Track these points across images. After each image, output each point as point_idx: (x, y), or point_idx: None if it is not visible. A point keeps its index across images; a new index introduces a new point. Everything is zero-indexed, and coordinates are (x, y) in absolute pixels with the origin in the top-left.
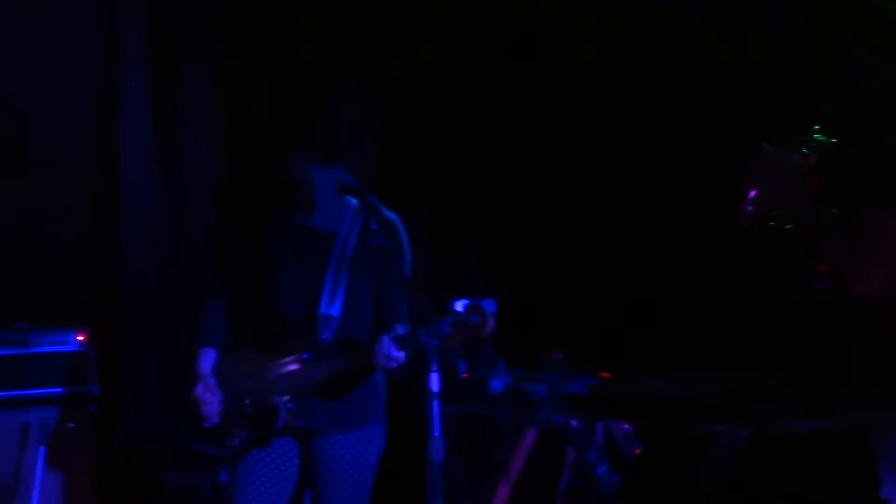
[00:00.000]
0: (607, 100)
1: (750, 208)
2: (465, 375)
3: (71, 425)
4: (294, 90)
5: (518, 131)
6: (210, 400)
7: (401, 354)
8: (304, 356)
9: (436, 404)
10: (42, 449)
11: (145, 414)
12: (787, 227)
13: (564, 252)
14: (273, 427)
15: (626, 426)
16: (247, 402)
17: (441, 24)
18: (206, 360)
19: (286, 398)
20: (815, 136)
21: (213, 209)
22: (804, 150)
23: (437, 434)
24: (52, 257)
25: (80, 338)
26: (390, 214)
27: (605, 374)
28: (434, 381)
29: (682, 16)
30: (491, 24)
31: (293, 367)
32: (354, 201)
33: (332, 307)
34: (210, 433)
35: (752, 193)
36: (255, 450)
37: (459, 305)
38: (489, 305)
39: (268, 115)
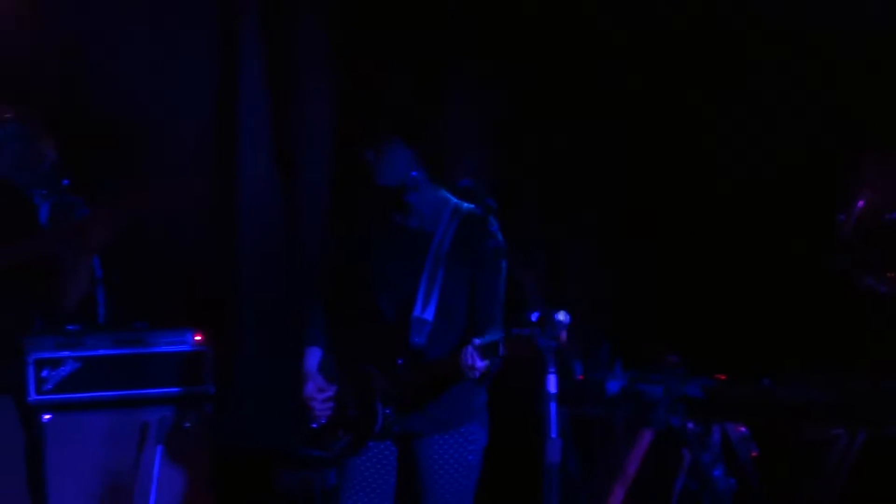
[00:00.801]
0: (723, 103)
1: (860, 207)
2: (581, 377)
3: (188, 424)
4: (410, 89)
5: (635, 129)
6: (317, 400)
7: (483, 364)
8: (399, 361)
9: (553, 406)
10: (160, 448)
11: (259, 414)
12: None
13: (684, 253)
14: (371, 431)
15: (742, 429)
16: (348, 404)
17: (559, 22)
18: (312, 359)
19: (382, 403)
20: None
21: (328, 211)
22: None
23: (553, 436)
24: (171, 259)
25: (198, 338)
26: (488, 218)
27: (722, 377)
28: (552, 383)
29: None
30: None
31: (388, 372)
32: (453, 201)
33: (425, 311)
34: (316, 434)
35: (863, 194)
36: (356, 452)
37: (535, 317)
38: (562, 317)
39: (379, 114)
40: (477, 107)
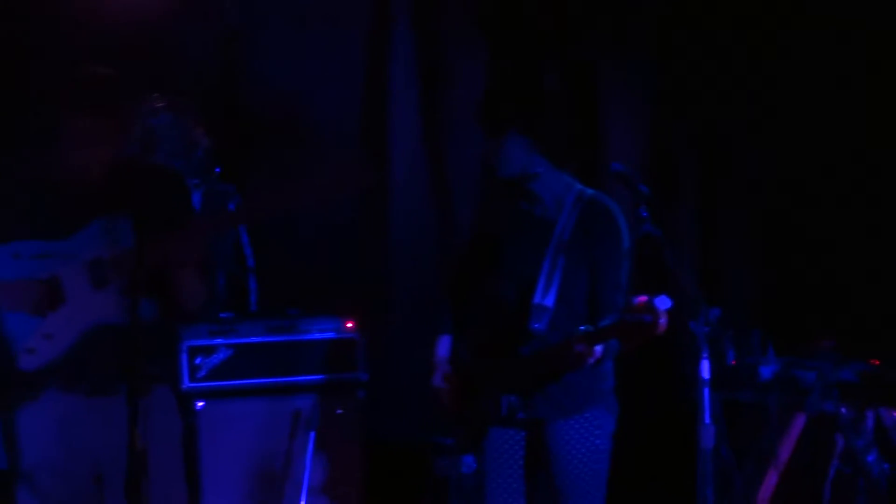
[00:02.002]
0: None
1: None
2: (733, 362)
3: (340, 411)
4: (554, 80)
5: (789, 116)
6: (445, 388)
7: (591, 350)
8: (521, 348)
9: (706, 391)
10: (312, 434)
11: (409, 401)
12: None
13: (837, 237)
14: (496, 418)
15: None
16: (474, 392)
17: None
18: (443, 347)
19: (506, 390)
20: None
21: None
22: None
23: (707, 421)
24: (323, 246)
25: (349, 325)
26: (610, 204)
27: (876, 362)
28: (705, 369)
29: None
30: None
31: (510, 359)
32: (577, 187)
33: (546, 297)
34: (447, 422)
35: None
36: (484, 439)
37: (636, 301)
38: (663, 303)
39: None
40: (631, 90)
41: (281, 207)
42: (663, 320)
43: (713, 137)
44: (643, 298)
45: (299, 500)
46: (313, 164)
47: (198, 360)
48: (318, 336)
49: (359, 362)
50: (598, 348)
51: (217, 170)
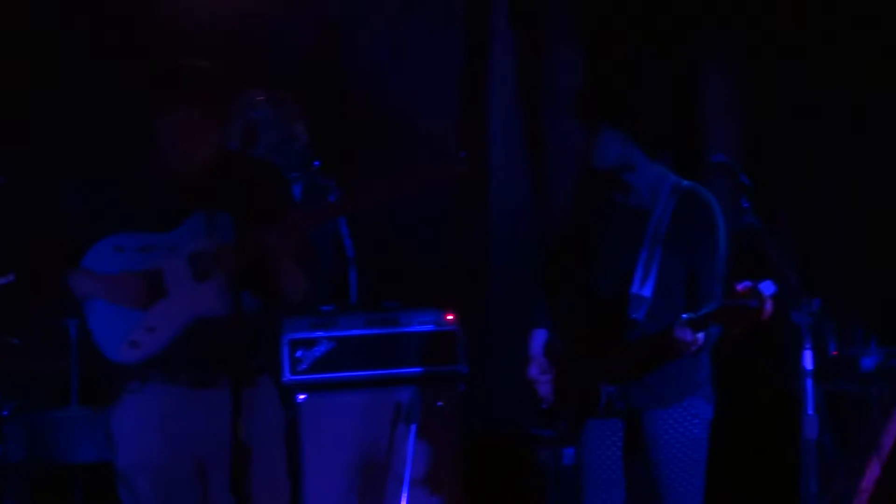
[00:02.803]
0: None
1: None
2: (835, 353)
3: (441, 404)
4: (652, 74)
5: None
6: (543, 381)
7: (694, 338)
8: (619, 339)
9: (809, 382)
10: (413, 427)
11: (510, 394)
12: None
13: None
14: (595, 409)
15: None
16: (572, 384)
17: None
18: (537, 341)
19: (605, 381)
20: None
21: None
22: None
23: (810, 412)
24: (423, 239)
25: (450, 317)
26: (707, 193)
27: None
28: (808, 359)
29: None
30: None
31: (609, 350)
32: (672, 178)
33: (644, 287)
34: (545, 415)
35: None
36: (582, 431)
37: (741, 287)
38: (767, 288)
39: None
40: (733, 80)
41: (380, 200)
42: (769, 305)
43: (813, 132)
44: (747, 284)
45: (401, 493)
46: (412, 157)
47: (299, 353)
48: (418, 329)
49: (459, 355)
50: (701, 336)
51: (317, 163)
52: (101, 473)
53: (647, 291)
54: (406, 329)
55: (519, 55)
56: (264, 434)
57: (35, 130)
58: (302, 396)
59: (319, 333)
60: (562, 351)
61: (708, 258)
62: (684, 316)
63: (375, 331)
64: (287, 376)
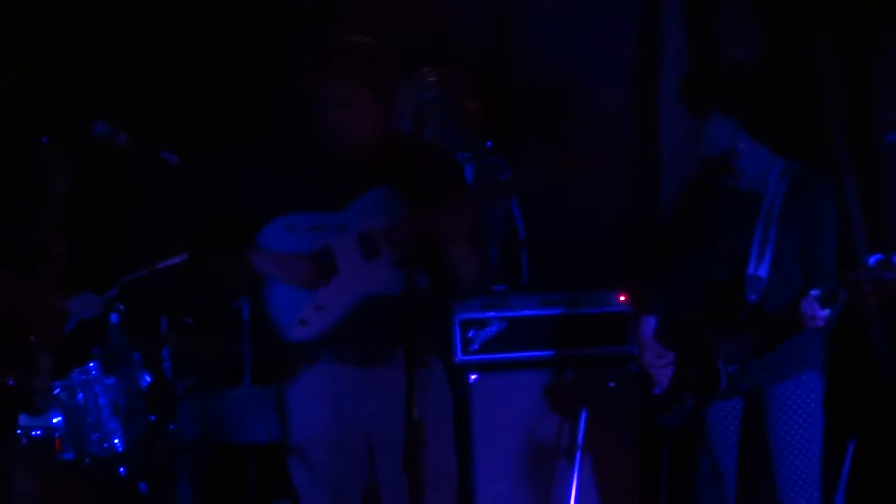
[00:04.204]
0: None
1: None
2: None
3: (612, 385)
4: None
5: None
6: (656, 366)
7: (824, 313)
8: (738, 319)
9: None
10: (584, 409)
11: None
12: None
13: None
14: (716, 391)
15: None
16: (689, 367)
17: None
18: (647, 327)
19: (724, 362)
20: None
21: None
22: None
23: None
24: (594, 219)
25: (622, 298)
26: (819, 174)
27: None
28: None
29: None
30: None
31: (727, 332)
32: (781, 161)
33: (759, 268)
34: (660, 400)
35: None
36: (701, 414)
37: (872, 260)
38: None
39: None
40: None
41: (552, 180)
42: None
43: None
44: (879, 256)
45: (571, 474)
46: (584, 138)
47: (470, 333)
48: (590, 310)
49: (631, 336)
50: (824, 312)
51: (488, 143)
52: (273, 453)
53: (762, 272)
54: (578, 310)
55: (690, 38)
56: (435, 415)
57: (212, 111)
58: (474, 377)
59: (491, 314)
60: (678, 335)
61: (825, 236)
62: (814, 292)
63: (547, 311)
64: (459, 356)
